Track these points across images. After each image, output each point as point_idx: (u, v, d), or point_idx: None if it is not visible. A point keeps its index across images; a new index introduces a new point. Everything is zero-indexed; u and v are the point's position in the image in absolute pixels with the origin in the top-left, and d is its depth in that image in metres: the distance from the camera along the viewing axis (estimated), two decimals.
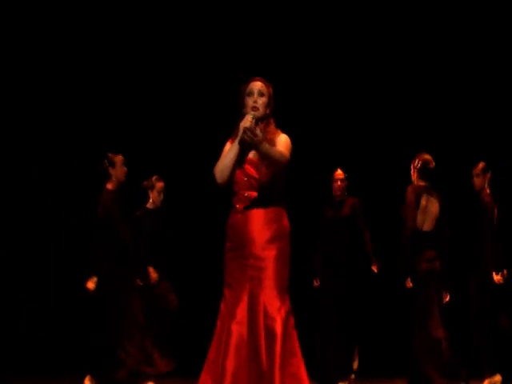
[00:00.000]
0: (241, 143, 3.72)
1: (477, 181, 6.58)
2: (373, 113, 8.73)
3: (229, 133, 3.94)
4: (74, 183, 9.06)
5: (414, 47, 8.62)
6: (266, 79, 3.89)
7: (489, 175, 6.63)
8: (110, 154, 6.32)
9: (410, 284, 6.00)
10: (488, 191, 6.67)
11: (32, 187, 9.01)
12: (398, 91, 8.69)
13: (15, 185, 8.91)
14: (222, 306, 3.77)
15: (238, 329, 3.63)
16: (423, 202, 5.97)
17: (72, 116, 9.03)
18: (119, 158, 6.29)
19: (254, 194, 3.76)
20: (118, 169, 6.26)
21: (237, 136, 3.78)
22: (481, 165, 6.60)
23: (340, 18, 8.70)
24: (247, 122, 3.66)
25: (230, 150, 3.79)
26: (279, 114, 3.87)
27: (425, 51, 8.62)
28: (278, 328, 3.58)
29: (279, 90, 3.98)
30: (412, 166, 6.19)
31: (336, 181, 7.02)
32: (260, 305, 3.63)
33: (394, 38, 8.64)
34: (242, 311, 3.65)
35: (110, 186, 6.27)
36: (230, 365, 3.59)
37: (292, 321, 3.70)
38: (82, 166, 9.05)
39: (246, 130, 3.61)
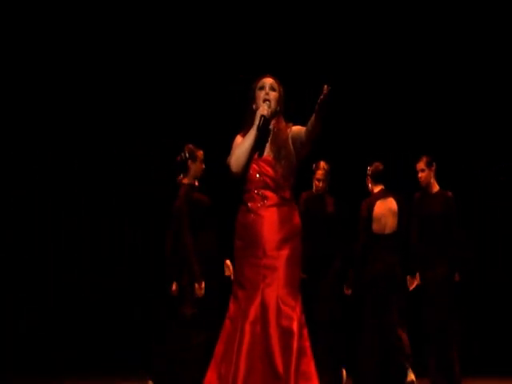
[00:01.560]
0: (258, 130, 3.70)
1: (422, 176, 6.22)
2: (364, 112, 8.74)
3: (238, 129, 3.94)
4: (74, 183, 9.05)
5: (410, 50, 8.64)
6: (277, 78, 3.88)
7: (434, 168, 6.29)
8: (191, 147, 5.80)
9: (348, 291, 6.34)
10: (436, 185, 6.32)
11: (32, 187, 8.99)
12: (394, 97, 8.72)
13: (15, 185, 8.90)
14: (232, 305, 3.75)
15: (252, 328, 3.61)
16: (376, 209, 6.23)
17: (72, 116, 9.03)
18: (200, 153, 5.77)
19: (268, 192, 3.74)
20: (198, 164, 5.75)
21: (248, 130, 3.79)
22: (424, 158, 6.27)
23: (336, 25, 8.71)
24: (264, 110, 3.70)
25: (247, 137, 3.75)
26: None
27: (423, 52, 8.64)
28: (295, 327, 3.58)
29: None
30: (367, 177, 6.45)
31: (318, 175, 6.65)
32: (273, 304, 3.60)
33: (391, 41, 8.68)
34: (255, 310, 3.64)
35: (186, 181, 5.75)
36: (244, 364, 3.57)
37: (304, 319, 3.69)
38: (82, 166, 9.07)
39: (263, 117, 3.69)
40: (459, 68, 8.60)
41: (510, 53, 8.49)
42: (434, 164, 6.29)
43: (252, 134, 3.73)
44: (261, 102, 3.77)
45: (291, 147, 3.77)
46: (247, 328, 3.62)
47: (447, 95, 8.64)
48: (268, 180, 3.74)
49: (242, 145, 3.74)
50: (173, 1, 8.81)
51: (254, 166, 3.76)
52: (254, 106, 3.81)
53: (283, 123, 3.84)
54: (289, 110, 3.92)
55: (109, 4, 8.78)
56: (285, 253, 3.69)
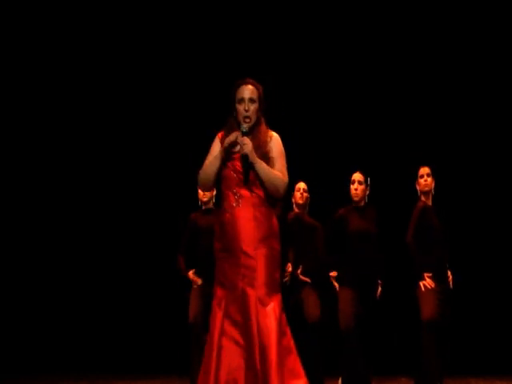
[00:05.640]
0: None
1: (429, 181, 5.88)
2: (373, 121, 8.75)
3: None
4: (74, 183, 9.07)
5: (422, 53, 8.66)
6: (255, 80, 3.86)
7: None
8: None
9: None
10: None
11: (32, 187, 9.00)
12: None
13: (15, 185, 8.92)
14: (215, 306, 3.75)
15: (231, 327, 3.65)
16: None
17: (73, 116, 9.05)
18: None
19: (243, 190, 3.75)
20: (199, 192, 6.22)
21: (227, 135, 3.81)
22: (429, 167, 5.95)
23: (335, 25, 8.73)
24: (247, 148, 3.67)
25: (213, 162, 3.78)
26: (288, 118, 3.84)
27: (432, 57, 8.67)
28: (273, 325, 3.60)
29: (285, 93, 3.95)
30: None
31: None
32: (252, 303, 3.63)
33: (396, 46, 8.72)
34: (235, 310, 3.66)
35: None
36: (224, 361, 3.61)
37: (284, 318, 3.69)
38: (82, 165, 9.08)
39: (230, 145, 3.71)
40: (456, 76, 8.63)
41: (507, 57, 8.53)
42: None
43: (218, 158, 3.75)
44: (241, 117, 3.78)
45: (267, 152, 3.78)
46: (227, 326, 3.65)
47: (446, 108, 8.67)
48: (242, 177, 3.74)
49: (209, 168, 3.78)
50: (169, 11, 8.84)
51: (229, 164, 3.78)
52: (234, 114, 3.83)
53: (263, 126, 3.87)
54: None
55: (108, 8, 8.81)
56: (262, 252, 3.70)
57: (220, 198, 3.84)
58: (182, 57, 8.89)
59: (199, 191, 6.12)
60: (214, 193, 6.10)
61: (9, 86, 8.86)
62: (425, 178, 5.88)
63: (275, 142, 3.84)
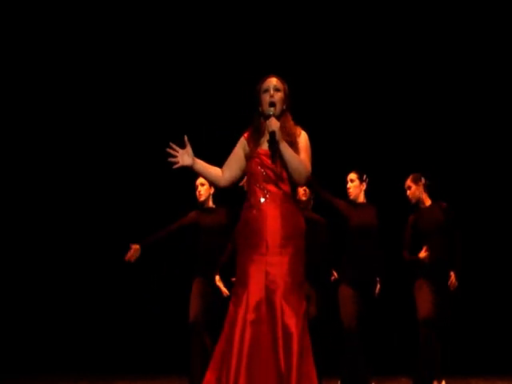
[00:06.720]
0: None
1: (409, 193, 5.99)
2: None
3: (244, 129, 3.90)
4: (74, 184, 9.07)
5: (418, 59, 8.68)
6: (280, 76, 3.84)
7: (422, 183, 6.02)
8: None
9: None
10: (428, 199, 6.08)
11: (33, 189, 9.00)
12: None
13: (16, 185, 8.92)
14: (232, 306, 3.64)
15: (255, 327, 3.52)
16: None
17: (72, 117, 9.05)
18: (198, 181, 6.03)
19: (270, 186, 3.68)
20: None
21: (253, 133, 3.78)
22: (410, 176, 6.03)
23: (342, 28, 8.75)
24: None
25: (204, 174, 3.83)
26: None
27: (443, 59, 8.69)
28: (295, 327, 3.51)
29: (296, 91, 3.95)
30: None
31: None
32: (278, 302, 3.52)
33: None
34: (258, 309, 3.54)
35: None
36: (245, 363, 3.49)
37: (306, 320, 3.59)
38: (82, 166, 9.08)
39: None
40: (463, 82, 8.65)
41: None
42: (423, 179, 6.13)
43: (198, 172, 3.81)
44: (267, 105, 3.72)
45: (296, 143, 3.72)
46: (248, 327, 3.54)
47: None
48: (269, 172, 3.68)
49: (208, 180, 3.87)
50: (172, 7, 8.84)
51: (256, 159, 3.72)
52: (260, 109, 3.78)
53: (290, 122, 3.81)
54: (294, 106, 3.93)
55: (109, 9, 8.81)
56: (289, 250, 3.61)
57: (246, 194, 3.73)
58: (188, 57, 8.89)
59: (196, 191, 6.10)
60: (212, 191, 6.09)
61: (8, 86, 8.86)
62: (407, 193, 5.97)
63: (303, 137, 3.77)
